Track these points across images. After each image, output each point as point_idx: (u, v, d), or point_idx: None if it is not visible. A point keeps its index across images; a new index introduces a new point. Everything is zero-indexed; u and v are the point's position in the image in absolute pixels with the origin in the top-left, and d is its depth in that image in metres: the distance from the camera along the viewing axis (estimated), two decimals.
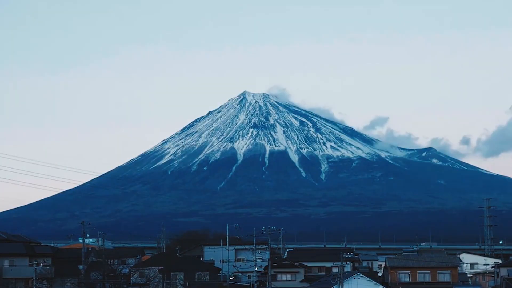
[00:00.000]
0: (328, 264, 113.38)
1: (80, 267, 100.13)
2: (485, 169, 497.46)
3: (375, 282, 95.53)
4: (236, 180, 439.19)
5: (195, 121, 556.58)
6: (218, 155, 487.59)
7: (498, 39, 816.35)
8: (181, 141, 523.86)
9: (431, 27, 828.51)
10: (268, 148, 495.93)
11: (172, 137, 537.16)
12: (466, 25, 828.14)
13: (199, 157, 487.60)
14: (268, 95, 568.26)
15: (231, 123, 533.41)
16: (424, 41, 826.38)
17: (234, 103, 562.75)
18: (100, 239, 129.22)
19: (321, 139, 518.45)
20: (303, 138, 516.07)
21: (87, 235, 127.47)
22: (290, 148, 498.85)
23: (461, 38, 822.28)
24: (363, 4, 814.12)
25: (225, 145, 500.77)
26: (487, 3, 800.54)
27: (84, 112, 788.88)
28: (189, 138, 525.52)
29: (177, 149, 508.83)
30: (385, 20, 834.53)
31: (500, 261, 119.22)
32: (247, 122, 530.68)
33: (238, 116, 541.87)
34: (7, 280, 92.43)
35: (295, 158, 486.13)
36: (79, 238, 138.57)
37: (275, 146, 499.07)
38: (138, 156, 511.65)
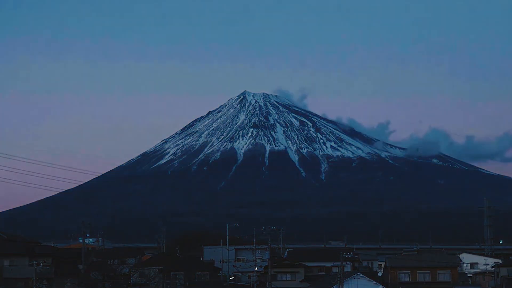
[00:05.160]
0: (328, 264, 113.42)
1: (80, 267, 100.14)
2: (485, 169, 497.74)
3: (375, 282, 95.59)
4: (236, 180, 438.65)
5: (195, 121, 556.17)
6: (218, 155, 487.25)
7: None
8: (181, 141, 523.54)
9: (431, 32, 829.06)
10: (268, 148, 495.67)
11: (172, 137, 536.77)
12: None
13: (199, 157, 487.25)
14: (268, 95, 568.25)
15: (231, 123, 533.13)
16: (423, 38, 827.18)
17: (234, 103, 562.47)
18: (100, 239, 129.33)
19: (321, 139, 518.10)
20: (303, 138, 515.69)
21: (87, 235, 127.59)
22: (290, 148, 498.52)
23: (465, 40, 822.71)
24: (366, 3, 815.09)
25: (225, 145, 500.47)
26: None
27: (84, 111, 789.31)
28: (189, 138, 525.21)
29: (177, 149, 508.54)
30: (386, 21, 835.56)
31: (500, 261, 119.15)
32: (247, 122, 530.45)
33: (238, 116, 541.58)
34: (7, 280, 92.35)
35: (295, 158, 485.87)
36: (79, 238, 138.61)
37: (275, 146, 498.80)
38: (138, 156, 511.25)
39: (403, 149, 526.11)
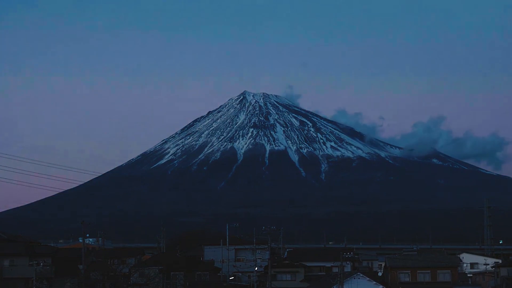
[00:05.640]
0: (328, 264, 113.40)
1: (80, 267, 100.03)
2: (485, 169, 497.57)
3: (375, 282, 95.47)
4: (236, 180, 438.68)
5: (195, 121, 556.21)
6: (218, 155, 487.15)
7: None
8: (181, 141, 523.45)
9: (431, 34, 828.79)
10: (268, 148, 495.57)
11: (172, 137, 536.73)
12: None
13: (199, 157, 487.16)
14: (268, 95, 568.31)
15: (231, 123, 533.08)
16: (421, 36, 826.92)
17: (234, 103, 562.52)
18: (100, 239, 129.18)
19: (321, 139, 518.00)
20: (303, 138, 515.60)
21: (87, 235, 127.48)
22: (290, 148, 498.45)
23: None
24: (366, 4, 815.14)
25: (225, 145, 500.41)
26: None
27: (84, 112, 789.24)
28: (189, 138, 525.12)
29: (177, 149, 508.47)
30: (386, 22, 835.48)
31: (500, 261, 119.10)
32: (247, 122, 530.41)
33: (238, 116, 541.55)
34: (7, 280, 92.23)
35: (295, 158, 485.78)
36: (79, 238, 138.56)
37: (275, 146, 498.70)
38: (138, 156, 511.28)
39: (402, 148, 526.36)
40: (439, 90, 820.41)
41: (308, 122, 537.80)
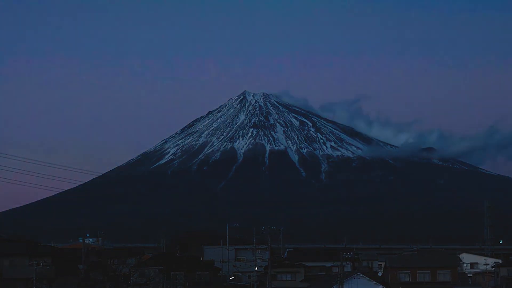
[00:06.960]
0: (328, 264, 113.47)
1: (80, 267, 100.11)
2: (485, 169, 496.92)
3: (375, 282, 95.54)
4: (236, 180, 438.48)
5: (195, 121, 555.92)
6: (218, 155, 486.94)
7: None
8: (181, 141, 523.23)
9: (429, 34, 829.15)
10: (268, 148, 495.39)
11: (172, 137, 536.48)
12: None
13: (199, 157, 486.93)
14: (268, 95, 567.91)
15: (231, 123, 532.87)
16: (419, 36, 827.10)
17: (234, 103, 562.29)
18: (100, 239, 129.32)
19: (321, 139, 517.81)
20: (303, 138, 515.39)
21: (87, 235, 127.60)
22: (290, 148, 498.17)
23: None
24: (363, 3, 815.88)
25: (225, 145, 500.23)
26: None
27: (84, 112, 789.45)
28: (189, 138, 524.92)
29: (177, 149, 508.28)
30: (384, 21, 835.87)
31: (500, 261, 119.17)
32: (247, 122, 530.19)
33: (238, 116, 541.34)
34: (7, 280, 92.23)
35: (295, 158, 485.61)
36: (79, 238, 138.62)
37: (275, 146, 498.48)
38: (138, 156, 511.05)
39: (401, 148, 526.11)
40: (439, 89, 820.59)
41: (308, 122, 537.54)
